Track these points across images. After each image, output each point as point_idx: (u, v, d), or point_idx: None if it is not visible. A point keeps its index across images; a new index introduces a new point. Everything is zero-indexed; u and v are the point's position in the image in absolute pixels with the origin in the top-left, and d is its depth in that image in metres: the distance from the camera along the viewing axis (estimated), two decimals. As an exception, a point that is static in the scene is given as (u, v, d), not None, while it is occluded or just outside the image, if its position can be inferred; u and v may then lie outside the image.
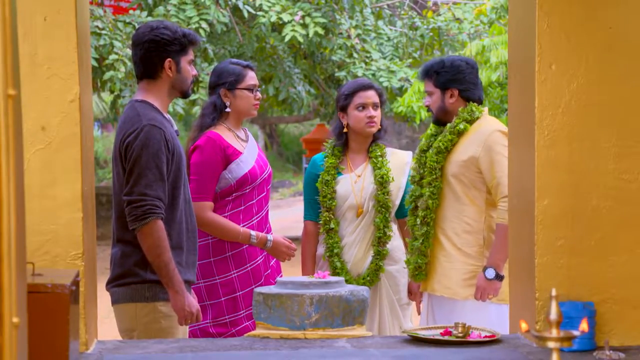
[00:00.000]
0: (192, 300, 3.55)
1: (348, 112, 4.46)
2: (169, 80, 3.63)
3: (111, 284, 3.66)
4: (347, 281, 4.20)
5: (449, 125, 4.25)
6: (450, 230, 4.18)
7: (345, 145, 4.52)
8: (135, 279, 3.57)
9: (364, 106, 4.44)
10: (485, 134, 4.19)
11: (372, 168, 4.47)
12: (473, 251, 4.19)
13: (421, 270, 4.24)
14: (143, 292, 3.56)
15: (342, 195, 4.43)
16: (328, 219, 4.41)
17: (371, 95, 4.46)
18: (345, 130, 4.49)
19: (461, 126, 4.21)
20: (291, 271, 5.16)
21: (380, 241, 4.42)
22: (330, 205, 4.41)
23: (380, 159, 4.46)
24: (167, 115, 3.67)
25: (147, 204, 3.46)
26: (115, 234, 3.63)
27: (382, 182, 4.43)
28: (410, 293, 4.55)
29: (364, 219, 4.44)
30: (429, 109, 4.36)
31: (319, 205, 4.48)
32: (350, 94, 4.46)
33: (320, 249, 4.48)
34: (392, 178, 4.44)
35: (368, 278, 4.40)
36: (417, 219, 4.25)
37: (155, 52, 3.61)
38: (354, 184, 4.44)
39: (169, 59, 3.61)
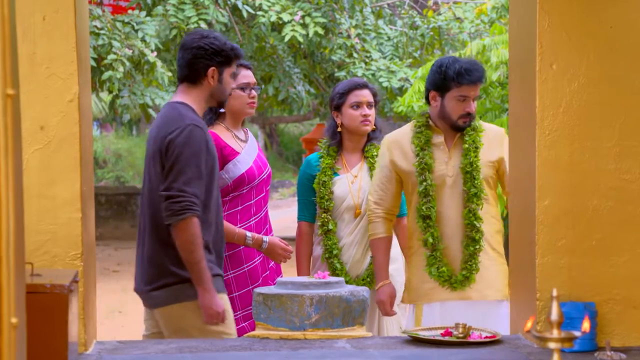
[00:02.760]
0: (218, 300, 3.58)
1: (342, 110, 4.46)
2: (209, 88, 3.74)
3: (148, 287, 3.67)
4: (346, 282, 4.20)
5: (473, 125, 4.13)
6: (487, 232, 4.10)
7: (339, 145, 4.52)
8: (175, 279, 3.60)
9: (358, 105, 4.44)
10: (500, 134, 4.18)
11: (367, 168, 4.47)
12: (502, 250, 4.16)
13: (470, 279, 4.07)
14: (186, 290, 3.59)
15: (340, 196, 4.43)
16: (326, 220, 4.40)
17: (366, 94, 4.46)
18: (339, 129, 4.49)
19: (481, 126, 4.15)
20: (292, 272, 5.15)
21: None
22: (328, 207, 4.41)
23: (374, 159, 4.46)
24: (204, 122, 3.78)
25: (185, 200, 3.52)
26: (148, 233, 3.66)
27: None
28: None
29: (362, 220, 4.43)
30: (471, 116, 4.11)
31: (313, 205, 4.47)
32: (345, 92, 4.46)
33: (317, 250, 4.48)
34: None
35: (368, 279, 4.40)
36: (472, 227, 4.05)
37: (201, 59, 3.71)
38: (351, 184, 4.44)
39: (213, 68, 3.72)
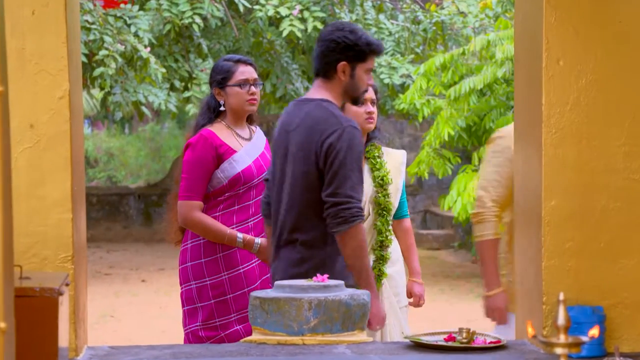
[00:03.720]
0: (381, 305, 3.69)
1: (346, 107, 4.45)
2: (341, 84, 3.75)
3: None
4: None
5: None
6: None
7: None
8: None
9: (362, 102, 4.44)
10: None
11: (369, 169, 4.46)
12: None
13: None
14: None
15: None
16: None
17: (369, 91, 4.46)
18: None
19: None
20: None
21: (382, 245, 4.40)
22: None
23: (378, 159, 4.45)
24: None
25: (354, 206, 3.58)
26: (289, 235, 3.69)
27: (382, 184, 4.41)
28: (412, 296, 4.55)
29: (364, 223, 4.43)
30: None
31: None
32: None
33: None
34: (391, 179, 4.43)
35: None
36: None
37: (332, 53, 3.72)
38: None
39: (343, 63, 3.72)
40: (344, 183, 3.58)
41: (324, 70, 3.74)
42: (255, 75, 4.37)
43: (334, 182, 3.59)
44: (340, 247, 3.62)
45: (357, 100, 3.84)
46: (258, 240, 4.22)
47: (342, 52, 3.70)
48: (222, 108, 4.32)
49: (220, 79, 4.30)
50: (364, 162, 4.48)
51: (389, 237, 4.41)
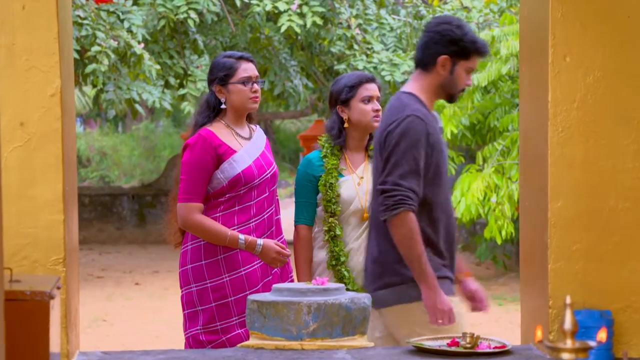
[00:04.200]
0: (444, 298, 3.60)
1: (351, 105, 4.44)
2: (440, 78, 3.75)
3: (373, 285, 3.75)
4: (355, 291, 4.21)
5: None
6: None
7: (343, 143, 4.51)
8: (398, 278, 3.67)
9: (369, 99, 4.43)
10: None
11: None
12: None
13: None
14: (409, 291, 3.65)
15: (347, 199, 4.41)
16: (333, 224, 4.39)
17: (375, 88, 4.47)
18: (345, 125, 4.47)
19: None
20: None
21: None
22: (335, 210, 4.39)
23: None
24: (434, 112, 3.82)
25: (399, 194, 3.59)
26: (372, 229, 3.79)
27: None
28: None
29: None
30: None
31: (314, 208, 4.46)
32: (355, 85, 4.45)
33: (319, 255, 4.46)
34: None
35: None
36: None
37: (435, 45, 3.72)
38: (357, 186, 4.43)
39: (445, 56, 3.72)
40: (393, 171, 3.61)
41: (424, 62, 3.75)
42: (257, 73, 4.37)
43: (385, 169, 3.64)
44: (392, 237, 3.63)
45: (452, 98, 3.83)
46: (260, 241, 4.22)
47: (446, 46, 3.70)
48: (223, 106, 4.31)
49: (223, 75, 4.30)
50: (367, 161, 4.48)
51: None
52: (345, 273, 4.36)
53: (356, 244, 4.41)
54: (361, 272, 4.40)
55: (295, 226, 4.51)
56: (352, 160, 4.49)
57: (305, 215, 4.49)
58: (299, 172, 4.53)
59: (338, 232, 4.38)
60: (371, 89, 4.45)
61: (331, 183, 4.40)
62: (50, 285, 2.82)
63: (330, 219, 4.39)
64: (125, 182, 23.31)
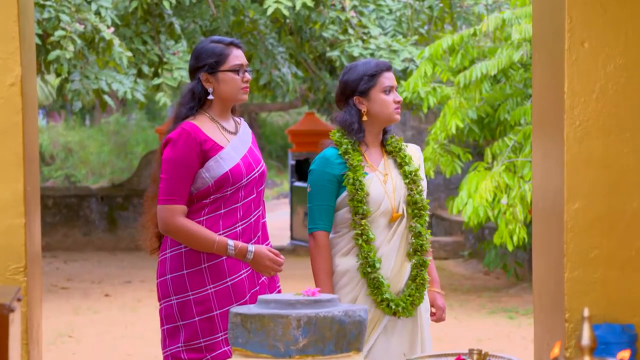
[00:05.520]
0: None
1: (371, 96, 4.45)
2: None
3: None
4: (390, 301, 4.23)
5: None
6: None
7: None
8: None
9: (391, 89, 4.45)
10: None
11: (393, 164, 4.48)
12: None
13: None
14: None
15: (376, 198, 4.42)
16: (366, 227, 4.39)
17: (394, 78, 4.49)
18: (364, 118, 4.48)
19: None
20: (290, 287, 5.13)
21: (422, 249, 4.41)
22: (367, 212, 4.39)
23: (403, 153, 4.48)
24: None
25: None
26: None
27: (415, 180, 4.44)
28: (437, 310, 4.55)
29: (400, 225, 4.44)
30: None
31: (332, 211, 4.45)
32: (375, 74, 4.46)
33: (344, 264, 4.43)
34: (420, 175, 4.47)
35: (410, 298, 4.37)
36: None
37: None
38: (384, 184, 4.44)
39: None
40: None
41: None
42: (247, 61, 4.37)
43: None
44: None
45: None
46: (251, 247, 4.21)
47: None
48: (210, 97, 4.31)
49: (213, 62, 4.30)
50: (384, 157, 4.50)
51: (427, 239, 4.41)
52: (383, 281, 4.36)
53: (387, 247, 4.41)
54: (394, 278, 4.41)
55: (312, 233, 4.49)
56: (370, 157, 4.51)
57: (325, 220, 4.45)
58: (314, 172, 4.49)
59: (371, 235, 4.38)
60: (391, 79, 4.47)
61: (360, 181, 4.39)
62: (9, 296, 2.82)
63: (363, 221, 4.38)
64: (93, 181, 23.31)
